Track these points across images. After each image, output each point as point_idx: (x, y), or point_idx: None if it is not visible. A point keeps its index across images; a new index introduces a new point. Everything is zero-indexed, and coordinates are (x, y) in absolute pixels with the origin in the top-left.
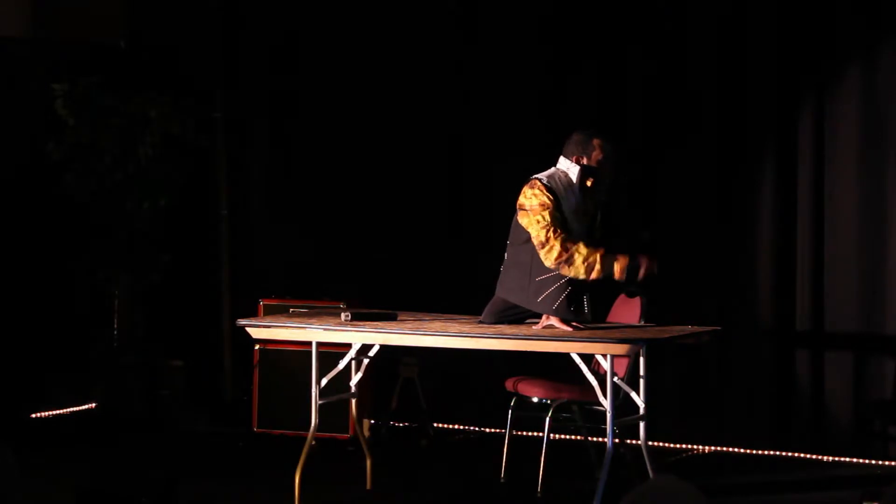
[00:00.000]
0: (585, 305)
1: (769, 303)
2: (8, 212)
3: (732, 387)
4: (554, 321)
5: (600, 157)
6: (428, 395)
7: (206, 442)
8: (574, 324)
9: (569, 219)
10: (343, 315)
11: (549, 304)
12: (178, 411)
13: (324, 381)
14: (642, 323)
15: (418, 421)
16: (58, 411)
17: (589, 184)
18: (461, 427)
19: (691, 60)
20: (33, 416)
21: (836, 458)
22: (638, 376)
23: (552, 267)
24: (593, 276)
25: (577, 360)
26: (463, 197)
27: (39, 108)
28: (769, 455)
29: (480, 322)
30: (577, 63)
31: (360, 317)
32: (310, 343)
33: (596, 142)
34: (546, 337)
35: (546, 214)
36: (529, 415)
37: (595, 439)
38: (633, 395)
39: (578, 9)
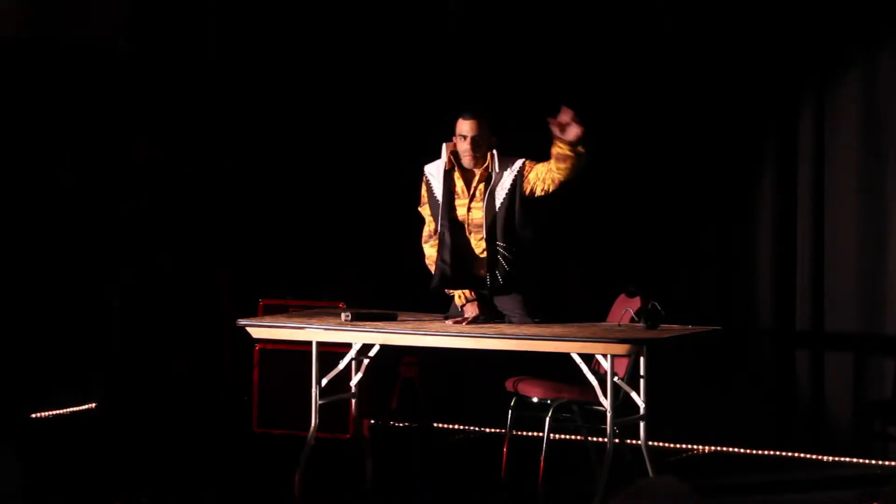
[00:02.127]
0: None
1: (769, 303)
2: (8, 211)
3: (732, 387)
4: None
5: (456, 134)
6: (428, 395)
7: (206, 442)
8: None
9: (447, 205)
10: (343, 315)
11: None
12: (178, 411)
13: (324, 381)
14: (641, 322)
15: (418, 421)
16: (58, 411)
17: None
18: (461, 427)
19: (691, 60)
20: (33, 416)
21: (836, 458)
22: (638, 376)
23: None
24: None
25: (578, 360)
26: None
27: (39, 107)
28: (769, 455)
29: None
30: (575, 63)
31: (360, 317)
32: (310, 343)
33: (457, 121)
34: (546, 337)
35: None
36: (529, 415)
37: (595, 439)
38: (633, 395)
39: (578, 8)
